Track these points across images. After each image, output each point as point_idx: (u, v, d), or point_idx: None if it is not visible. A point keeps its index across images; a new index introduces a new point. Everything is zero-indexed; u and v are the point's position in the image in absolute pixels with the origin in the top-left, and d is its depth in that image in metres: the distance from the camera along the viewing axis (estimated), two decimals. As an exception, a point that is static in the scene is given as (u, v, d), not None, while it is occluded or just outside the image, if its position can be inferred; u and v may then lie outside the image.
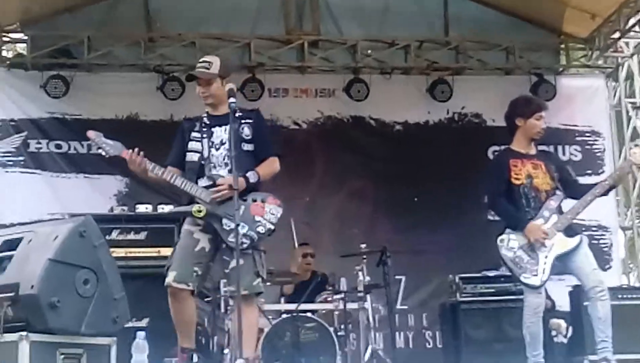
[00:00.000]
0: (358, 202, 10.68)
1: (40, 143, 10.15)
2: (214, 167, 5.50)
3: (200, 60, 5.75)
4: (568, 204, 6.13)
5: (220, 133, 5.56)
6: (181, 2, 10.75)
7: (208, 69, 5.63)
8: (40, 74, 10.21)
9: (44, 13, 10.24)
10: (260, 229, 5.42)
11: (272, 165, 5.65)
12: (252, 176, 5.48)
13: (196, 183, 5.49)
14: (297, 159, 10.30)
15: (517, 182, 6.10)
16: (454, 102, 10.90)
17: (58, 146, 10.22)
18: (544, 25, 11.09)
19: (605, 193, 6.15)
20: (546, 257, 5.95)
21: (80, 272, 4.35)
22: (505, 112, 6.42)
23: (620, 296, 7.74)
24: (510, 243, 6.03)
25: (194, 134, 5.65)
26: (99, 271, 4.45)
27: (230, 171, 5.39)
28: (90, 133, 5.63)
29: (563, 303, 8.50)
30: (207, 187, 5.45)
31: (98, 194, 10.03)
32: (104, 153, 5.53)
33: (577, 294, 8.08)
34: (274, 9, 10.81)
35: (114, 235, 7.43)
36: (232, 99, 5.36)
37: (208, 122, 5.65)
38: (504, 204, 6.14)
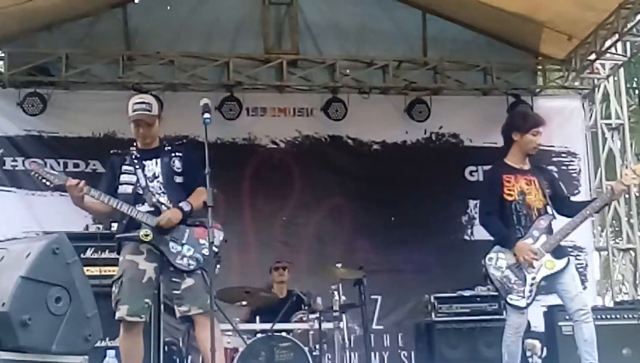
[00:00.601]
0: (335, 221, 10.67)
1: (16, 161, 10.07)
2: (153, 195, 5.65)
3: (137, 100, 5.89)
4: (557, 224, 6.17)
5: (152, 166, 5.76)
6: (160, 20, 10.74)
7: (150, 111, 5.80)
8: (17, 92, 10.14)
9: (21, 30, 10.17)
10: (205, 251, 5.55)
11: (199, 194, 5.72)
12: (185, 206, 5.65)
13: None
14: (275, 178, 10.35)
15: (510, 198, 6.13)
16: (431, 122, 10.92)
17: (34, 164, 10.15)
18: (522, 47, 11.16)
19: (596, 213, 6.19)
20: (533, 279, 5.99)
21: (52, 290, 4.32)
22: (502, 126, 6.46)
23: (595, 317, 7.75)
24: (498, 262, 6.05)
25: (125, 167, 5.80)
26: (71, 289, 4.42)
27: (169, 199, 5.66)
28: (32, 165, 5.76)
29: (538, 324, 8.52)
30: (150, 212, 5.60)
31: (73, 212, 9.81)
32: (48, 183, 5.61)
33: (552, 314, 8.14)
34: (253, 28, 10.82)
35: (89, 253, 7.40)
36: (206, 115, 5.38)
37: (139, 156, 5.80)
38: (495, 221, 6.16)
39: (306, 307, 8.10)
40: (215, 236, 5.51)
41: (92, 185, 5.71)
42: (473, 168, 10.53)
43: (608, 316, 8.24)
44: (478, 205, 6.66)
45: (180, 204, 5.65)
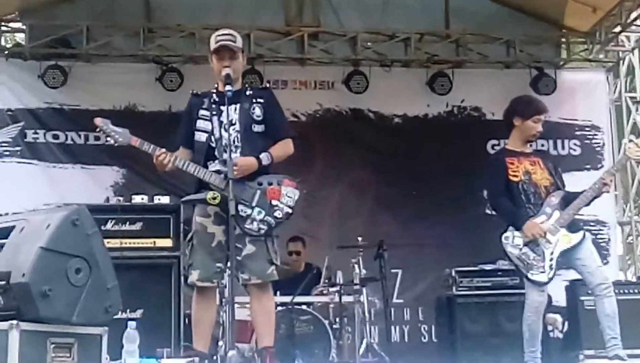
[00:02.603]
0: (357, 195, 10.66)
1: (37, 133, 10.12)
2: (224, 151, 5.24)
3: (221, 32, 5.49)
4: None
5: (230, 112, 5.28)
6: (181, -8, 10.73)
7: (234, 42, 5.42)
8: (39, 64, 10.16)
9: (43, 2, 10.22)
10: (278, 214, 5.29)
11: (286, 147, 5.50)
12: (265, 158, 5.33)
13: (205, 166, 5.31)
14: (296, 151, 10.25)
15: (515, 179, 6.10)
16: (453, 95, 10.86)
17: (55, 137, 10.19)
18: (545, 19, 11.06)
19: (595, 198, 6.14)
20: (552, 254, 5.95)
21: (72, 261, 4.30)
22: (505, 109, 6.42)
23: (617, 291, 7.69)
24: (515, 240, 6.02)
25: (202, 112, 5.44)
26: (91, 261, 4.40)
27: (242, 154, 5.27)
28: (98, 120, 5.34)
29: (559, 298, 8.48)
30: (218, 172, 5.26)
31: (94, 184, 10.01)
32: (112, 141, 5.32)
33: (573, 289, 8.09)
34: (274, 0, 10.77)
35: (109, 225, 7.40)
36: (228, 87, 5.18)
37: (217, 100, 5.40)
38: (504, 202, 6.13)
39: (326, 280, 8.10)
40: (290, 197, 5.35)
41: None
42: (495, 141, 10.43)
43: (631, 291, 8.19)
44: (485, 192, 6.63)
45: (261, 156, 5.30)
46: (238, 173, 5.16)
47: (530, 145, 6.38)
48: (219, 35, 5.47)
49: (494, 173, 6.23)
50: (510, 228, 6.07)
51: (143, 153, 5.35)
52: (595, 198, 6.11)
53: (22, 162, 10.06)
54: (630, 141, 6.90)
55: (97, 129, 5.35)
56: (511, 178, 6.12)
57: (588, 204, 6.11)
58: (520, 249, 6.00)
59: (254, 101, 5.44)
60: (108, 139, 5.35)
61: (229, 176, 5.00)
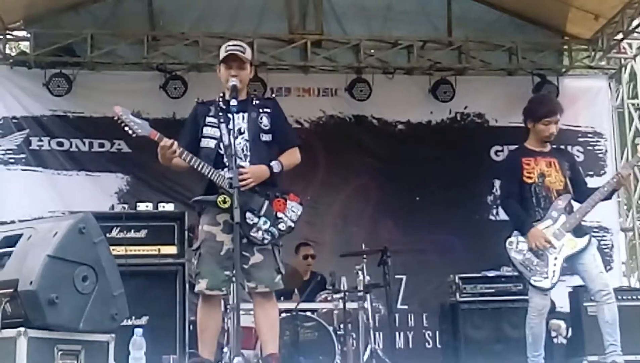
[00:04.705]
0: (360, 201, 10.70)
1: (42, 141, 10.14)
2: (235, 156, 5.20)
3: (231, 43, 5.54)
4: (576, 204, 6.16)
5: (238, 121, 5.33)
6: (184, 0, 10.76)
7: (243, 52, 5.46)
8: (43, 72, 10.20)
9: (47, 11, 10.24)
10: (282, 226, 5.37)
11: (294, 155, 5.56)
12: (276, 166, 5.38)
13: None
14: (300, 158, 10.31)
15: (529, 181, 6.12)
16: (456, 102, 10.87)
17: (60, 144, 10.21)
18: (547, 26, 11.08)
19: (614, 191, 6.17)
20: (555, 259, 5.96)
21: (79, 269, 4.34)
22: (523, 109, 6.44)
23: (620, 297, 7.73)
24: (519, 246, 6.03)
25: (209, 119, 5.45)
26: (98, 268, 4.43)
27: (251, 163, 5.31)
28: (117, 109, 5.22)
29: (563, 304, 8.50)
30: (230, 179, 5.20)
31: (99, 192, 10.03)
32: (130, 132, 5.21)
33: (577, 295, 8.11)
34: (278, 8, 10.81)
35: (114, 232, 7.43)
36: (233, 101, 5.22)
37: (225, 108, 5.41)
38: (514, 205, 6.15)
39: (330, 287, 8.12)
40: (294, 212, 5.41)
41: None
42: (499, 147, 10.48)
43: (634, 297, 8.21)
44: (499, 188, 6.64)
45: (272, 164, 5.36)
46: (250, 180, 5.23)
47: (550, 144, 6.37)
48: (229, 45, 5.52)
49: (510, 174, 6.24)
50: (515, 233, 6.08)
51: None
52: (611, 194, 6.12)
53: (27, 169, 10.07)
54: (637, 145, 6.91)
55: (116, 118, 5.20)
56: (525, 179, 6.12)
57: (607, 199, 6.12)
58: (524, 254, 6.01)
59: (261, 110, 5.50)
60: (126, 128, 5.21)
61: (234, 185, 5.03)
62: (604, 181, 6.39)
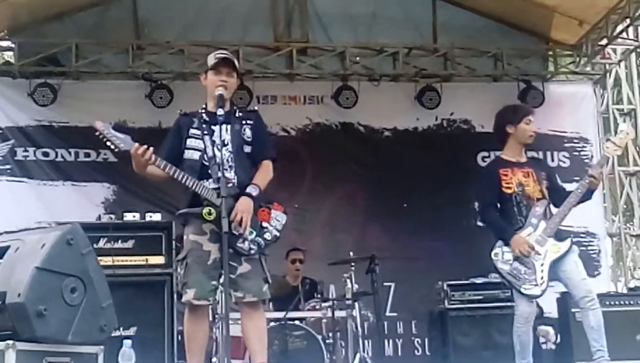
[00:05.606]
0: (347, 208, 10.69)
1: (27, 151, 10.09)
2: (219, 168, 5.20)
3: (220, 51, 5.59)
4: (554, 209, 6.16)
5: (222, 133, 5.33)
6: (170, 9, 10.72)
7: (232, 60, 5.50)
8: (28, 82, 10.15)
9: (32, 20, 10.18)
10: (267, 236, 5.36)
11: (267, 172, 5.51)
12: (254, 191, 5.33)
13: None
14: (286, 165, 10.24)
15: (509, 191, 6.10)
16: (442, 108, 10.90)
17: (45, 154, 10.16)
18: (532, 32, 11.13)
19: (590, 191, 6.17)
20: (542, 265, 5.95)
21: (67, 280, 4.32)
22: (494, 124, 6.43)
23: (607, 303, 7.76)
24: (505, 256, 6.02)
25: (192, 131, 5.42)
26: (86, 279, 4.42)
27: (235, 174, 5.30)
28: (98, 124, 5.12)
29: (551, 310, 8.51)
30: (214, 189, 5.21)
31: (85, 202, 9.98)
32: (113, 147, 5.13)
33: (565, 301, 8.12)
34: (263, 16, 10.82)
35: (102, 243, 7.40)
36: (220, 111, 5.22)
37: (208, 120, 5.41)
38: (494, 215, 6.14)
39: (319, 295, 8.11)
40: (279, 221, 5.40)
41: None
42: (485, 153, 10.48)
43: (621, 302, 8.24)
44: (476, 202, 6.65)
45: (249, 191, 5.30)
46: (246, 217, 5.22)
47: (526, 153, 6.38)
48: (218, 53, 5.54)
49: (487, 185, 6.23)
50: (499, 243, 6.07)
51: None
52: (585, 197, 6.12)
53: (12, 180, 10.01)
54: (608, 140, 6.94)
55: (97, 133, 5.12)
56: (505, 189, 6.11)
57: (581, 202, 6.11)
58: (511, 264, 5.99)
59: (244, 122, 5.50)
60: (108, 143, 5.12)
61: (222, 194, 5.02)
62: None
